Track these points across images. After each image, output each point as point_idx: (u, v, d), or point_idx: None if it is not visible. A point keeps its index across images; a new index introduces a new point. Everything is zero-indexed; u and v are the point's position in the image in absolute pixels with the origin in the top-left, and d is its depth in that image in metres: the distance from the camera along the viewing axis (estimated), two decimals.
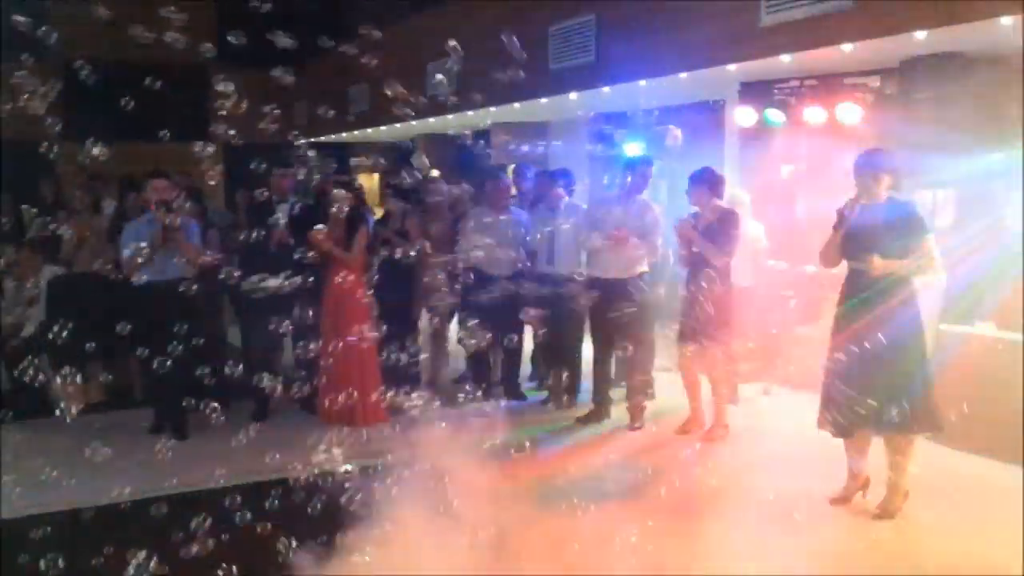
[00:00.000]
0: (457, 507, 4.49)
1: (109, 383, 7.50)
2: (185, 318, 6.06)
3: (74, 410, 4.99)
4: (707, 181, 6.60)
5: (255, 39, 4.92)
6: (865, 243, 5.00)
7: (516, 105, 10.50)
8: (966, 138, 6.74)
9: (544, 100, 10.04)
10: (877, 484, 5.28)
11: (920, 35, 6.02)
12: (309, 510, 4.39)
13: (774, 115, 8.25)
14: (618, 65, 8.61)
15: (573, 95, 9.56)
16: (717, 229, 6.47)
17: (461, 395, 5.54)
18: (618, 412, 7.14)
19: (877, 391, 4.93)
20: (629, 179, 6.97)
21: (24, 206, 8.67)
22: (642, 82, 8.51)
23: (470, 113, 11.11)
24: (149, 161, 7.34)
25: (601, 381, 7.18)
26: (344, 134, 16.07)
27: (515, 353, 7.81)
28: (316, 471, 4.49)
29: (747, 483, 5.78)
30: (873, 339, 4.93)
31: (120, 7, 5.08)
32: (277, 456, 4.98)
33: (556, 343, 7.40)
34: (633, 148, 9.28)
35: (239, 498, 4.50)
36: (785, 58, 7.06)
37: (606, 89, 9.06)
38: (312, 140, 16.33)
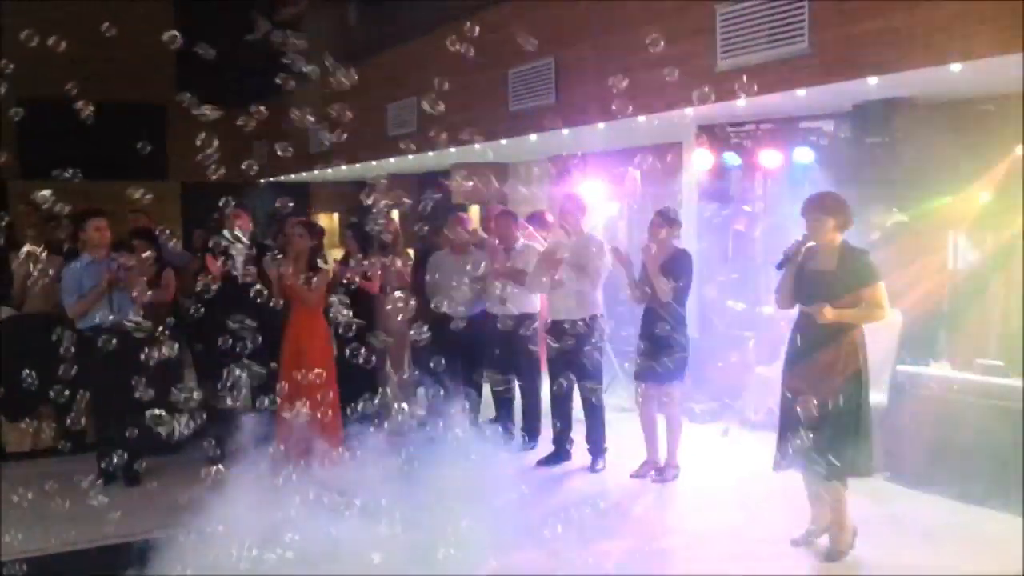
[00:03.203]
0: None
1: (61, 428, 7.31)
2: (139, 360, 5.93)
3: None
4: (667, 220, 6.66)
5: (214, 79, 4.91)
6: (816, 289, 5.01)
7: (476, 146, 10.55)
8: (917, 181, 6.89)
9: (504, 141, 10.10)
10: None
11: (872, 81, 6.16)
12: None
13: (730, 158, 8.37)
14: (577, 107, 8.70)
15: (533, 136, 9.63)
16: (670, 267, 6.52)
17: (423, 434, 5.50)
18: (579, 454, 7.13)
19: (811, 435, 4.91)
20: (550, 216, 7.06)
21: None
22: (600, 124, 8.60)
23: (431, 154, 11.14)
24: (105, 200, 7.24)
25: (562, 423, 7.16)
26: (304, 173, 16.02)
27: (476, 392, 7.77)
28: None
29: (700, 524, 5.78)
30: (813, 383, 4.96)
31: (82, 46, 5.03)
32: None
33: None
34: (591, 188, 9.39)
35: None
36: (741, 102, 7.18)
37: (565, 131, 9.14)
38: (272, 179, 16.27)
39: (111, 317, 6.45)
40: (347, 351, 6.04)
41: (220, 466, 5.99)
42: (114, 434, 6.35)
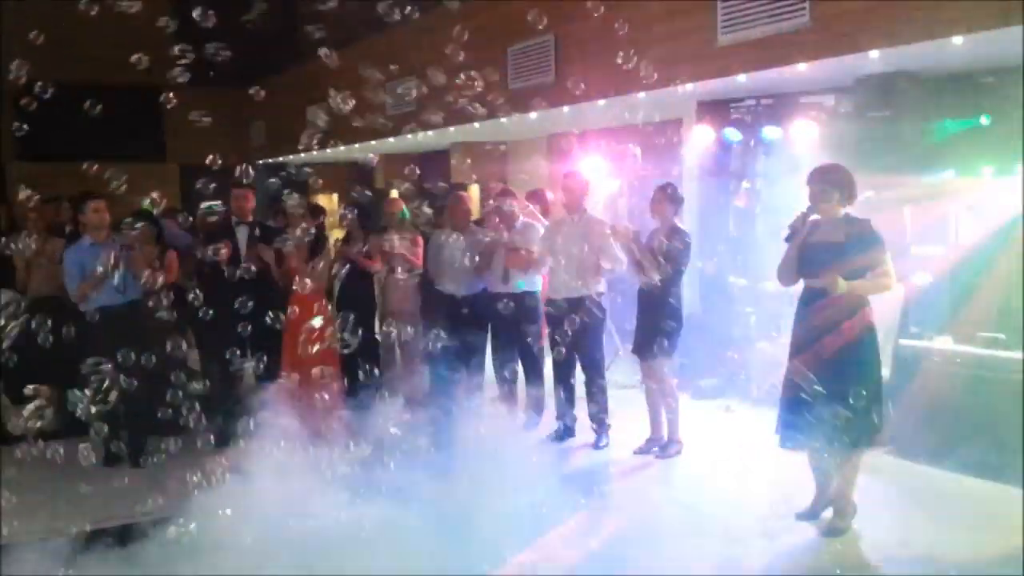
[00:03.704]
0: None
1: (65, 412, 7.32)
2: (143, 342, 5.94)
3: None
4: (669, 196, 6.64)
5: (211, 59, 4.88)
6: (823, 261, 5.00)
7: (476, 124, 10.50)
8: (918, 156, 6.87)
9: (504, 119, 10.06)
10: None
11: (874, 54, 6.13)
12: None
13: (731, 133, 8.35)
14: (577, 85, 8.65)
15: (533, 114, 9.59)
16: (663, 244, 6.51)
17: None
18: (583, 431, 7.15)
19: (827, 408, 4.89)
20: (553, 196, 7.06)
21: None
22: (601, 101, 8.56)
23: (430, 133, 11.09)
24: (102, 181, 7.22)
25: (565, 400, 7.18)
26: (303, 154, 15.96)
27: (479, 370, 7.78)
28: None
29: (703, 500, 5.79)
30: (827, 357, 4.96)
31: (76, 27, 5.00)
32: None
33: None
34: (591, 165, 9.37)
35: None
36: (741, 77, 7.14)
37: (565, 109, 9.10)
38: (270, 160, 16.21)
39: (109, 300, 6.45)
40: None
41: (226, 447, 6.07)
42: (119, 415, 6.37)
